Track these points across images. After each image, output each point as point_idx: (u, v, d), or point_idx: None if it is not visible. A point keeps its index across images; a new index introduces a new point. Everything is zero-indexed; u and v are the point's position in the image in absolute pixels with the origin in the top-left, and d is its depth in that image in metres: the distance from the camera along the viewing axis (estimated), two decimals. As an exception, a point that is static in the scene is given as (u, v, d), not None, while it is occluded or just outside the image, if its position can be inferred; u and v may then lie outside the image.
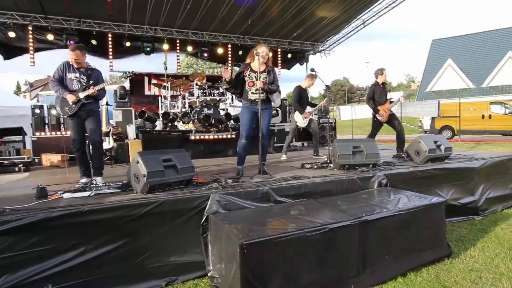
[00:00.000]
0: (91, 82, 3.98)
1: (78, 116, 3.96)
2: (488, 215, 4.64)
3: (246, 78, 4.09)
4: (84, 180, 3.98)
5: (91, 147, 4.08)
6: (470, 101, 18.68)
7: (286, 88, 53.51)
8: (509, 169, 5.17)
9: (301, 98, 6.26)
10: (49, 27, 8.46)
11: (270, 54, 4.22)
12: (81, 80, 3.94)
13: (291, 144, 8.92)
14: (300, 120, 6.24)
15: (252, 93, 4.09)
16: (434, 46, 31.56)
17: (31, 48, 8.42)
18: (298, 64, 12.34)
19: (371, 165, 4.34)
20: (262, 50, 4.02)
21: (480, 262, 3.14)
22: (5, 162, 5.71)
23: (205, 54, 10.37)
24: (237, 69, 11.38)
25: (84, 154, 4.08)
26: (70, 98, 3.84)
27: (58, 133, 7.34)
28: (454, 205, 4.40)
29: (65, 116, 3.99)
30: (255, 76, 4.05)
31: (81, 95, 3.88)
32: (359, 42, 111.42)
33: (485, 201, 4.70)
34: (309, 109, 6.27)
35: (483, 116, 15.91)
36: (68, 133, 7.32)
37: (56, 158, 6.23)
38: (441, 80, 28.18)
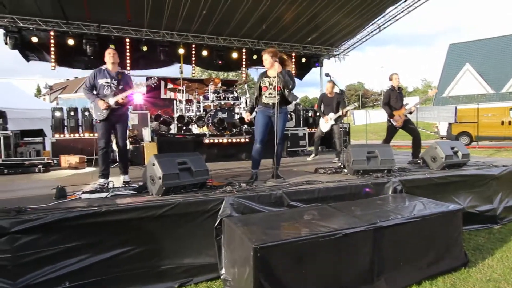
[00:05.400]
0: (121, 86, 4.17)
1: (108, 120, 4.13)
2: (507, 224, 4.51)
3: (261, 84, 4.14)
4: (102, 180, 4.09)
5: (117, 149, 4.31)
6: (489, 106, 18.23)
7: (300, 93, 53.37)
8: (530, 177, 5.02)
9: (323, 104, 6.67)
10: (70, 32, 8.72)
11: (284, 57, 4.21)
12: (112, 85, 4.13)
13: (304, 149, 8.95)
14: (323, 125, 6.61)
15: (265, 97, 4.13)
16: (451, 50, 30.94)
17: (52, 52, 8.68)
18: (311, 70, 12.42)
19: (385, 171, 4.29)
20: (264, 56, 4.12)
21: (498, 272, 3.05)
22: (26, 162, 5.89)
23: (220, 62, 10.52)
24: (250, 73, 11.39)
25: (108, 154, 4.25)
26: (102, 105, 4.01)
27: (77, 135, 7.55)
28: (472, 212, 4.30)
29: (97, 120, 4.18)
30: (268, 81, 4.11)
31: (111, 101, 4.05)
32: (374, 47, 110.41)
33: (504, 210, 4.57)
34: (331, 115, 6.48)
35: (502, 122, 15.51)
36: (86, 135, 7.57)
37: (74, 159, 6.39)
38: (458, 85, 27.57)
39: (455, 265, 3.11)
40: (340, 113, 6.32)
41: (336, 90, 6.62)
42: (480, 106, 16.21)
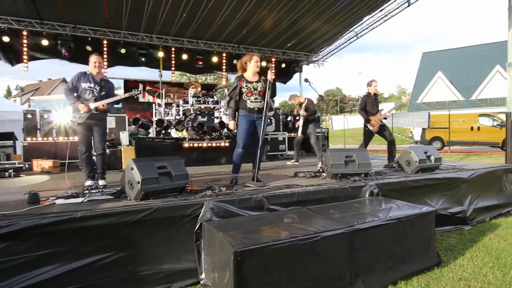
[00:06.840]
0: (103, 93, 4.19)
1: (87, 124, 4.13)
2: (476, 224, 4.71)
3: (243, 90, 4.15)
4: (89, 182, 4.12)
5: (95, 153, 4.27)
6: (460, 113, 19.07)
7: (279, 98, 53.84)
8: (497, 180, 5.29)
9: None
10: (44, 33, 8.45)
11: (263, 64, 4.30)
12: (94, 90, 4.14)
13: (283, 153, 9.04)
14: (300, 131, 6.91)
15: (251, 101, 4.14)
16: (424, 58, 32.24)
17: (25, 53, 8.39)
18: (293, 76, 12.60)
19: (363, 175, 4.40)
20: (256, 59, 4.14)
21: (469, 271, 3.19)
22: (-5, 167, 5.64)
23: (200, 63, 10.45)
24: (230, 77, 11.43)
25: (90, 157, 4.23)
26: (82, 108, 4.03)
27: (50, 138, 7.29)
28: (444, 214, 4.47)
29: (75, 123, 4.16)
30: (252, 86, 4.14)
31: (92, 106, 4.07)
32: (352, 54, 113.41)
33: (473, 211, 4.78)
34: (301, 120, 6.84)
35: (472, 128, 16.21)
36: (61, 138, 7.34)
37: (47, 163, 6.17)
38: (431, 92, 28.72)
39: (428, 265, 3.22)
40: (304, 113, 6.73)
41: (305, 97, 7.23)
42: (451, 113, 16.92)
